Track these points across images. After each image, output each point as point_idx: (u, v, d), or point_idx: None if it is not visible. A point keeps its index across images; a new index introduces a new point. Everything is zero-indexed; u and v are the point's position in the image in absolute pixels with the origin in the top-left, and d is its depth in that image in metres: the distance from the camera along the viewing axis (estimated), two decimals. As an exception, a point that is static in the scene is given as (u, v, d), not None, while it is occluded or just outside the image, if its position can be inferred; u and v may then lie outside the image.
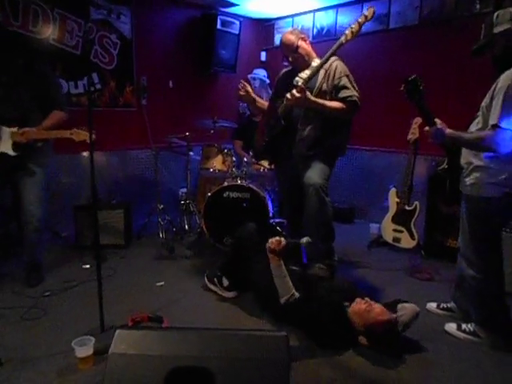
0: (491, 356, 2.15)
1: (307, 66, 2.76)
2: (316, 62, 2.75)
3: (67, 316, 2.49)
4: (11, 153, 2.70)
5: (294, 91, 2.60)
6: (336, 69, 2.74)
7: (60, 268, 3.20)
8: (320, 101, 2.67)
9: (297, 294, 2.33)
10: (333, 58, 2.73)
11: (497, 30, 2.05)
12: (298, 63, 2.83)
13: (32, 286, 2.85)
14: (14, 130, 2.68)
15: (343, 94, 2.71)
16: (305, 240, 2.36)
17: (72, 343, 1.96)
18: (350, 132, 2.96)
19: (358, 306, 2.20)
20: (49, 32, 3.78)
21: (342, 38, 2.54)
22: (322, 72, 2.74)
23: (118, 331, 1.31)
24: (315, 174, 2.80)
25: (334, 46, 2.57)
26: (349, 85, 2.72)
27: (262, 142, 3.08)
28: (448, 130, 2.13)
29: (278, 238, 2.39)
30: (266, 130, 3.04)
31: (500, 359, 2.13)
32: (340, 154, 3.02)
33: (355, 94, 2.71)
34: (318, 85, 2.76)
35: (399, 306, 2.23)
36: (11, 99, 2.71)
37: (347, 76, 2.74)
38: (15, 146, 2.70)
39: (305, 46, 2.84)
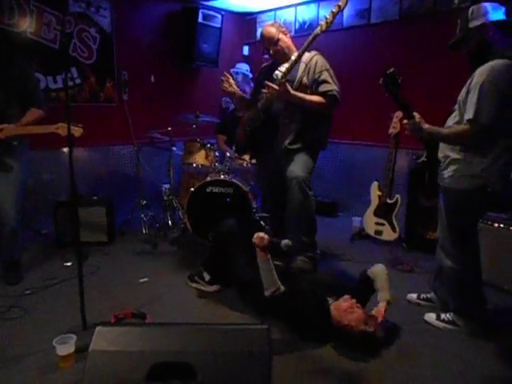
0: (469, 344, 2.21)
1: (287, 59, 2.76)
2: (294, 56, 2.75)
3: (48, 314, 2.46)
4: None
5: (272, 84, 2.63)
6: (316, 63, 2.76)
7: (41, 266, 3.16)
8: (300, 94, 2.69)
9: (282, 288, 2.35)
10: (313, 53, 2.76)
11: (472, 24, 2.08)
12: (278, 56, 2.84)
13: (11, 285, 2.81)
14: None
15: (323, 88, 2.73)
16: (284, 243, 2.42)
17: (53, 341, 1.94)
18: (330, 126, 2.99)
19: (342, 303, 2.19)
20: (25, 25, 3.69)
21: (317, 29, 2.55)
22: (302, 66, 2.76)
23: (97, 328, 1.31)
24: (298, 167, 2.81)
25: (310, 38, 2.58)
26: (329, 79, 2.75)
27: (243, 136, 3.09)
28: (426, 125, 2.16)
29: (261, 234, 2.40)
30: (246, 124, 3.05)
31: (478, 346, 2.18)
32: (321, 148, 3.04)
33: (335, 88, 2.74)
34: (298, 78, 2.77)
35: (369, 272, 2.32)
36: None
37: (327, 70, 2.77)
38: None
39: (285, 40, 2.85)
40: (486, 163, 2.07)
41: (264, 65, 3.11)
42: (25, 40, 3.69)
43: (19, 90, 2.75)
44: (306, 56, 2.77)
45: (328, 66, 2.79)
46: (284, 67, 2.70)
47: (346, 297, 2.22)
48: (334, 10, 2.50)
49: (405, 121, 2.23)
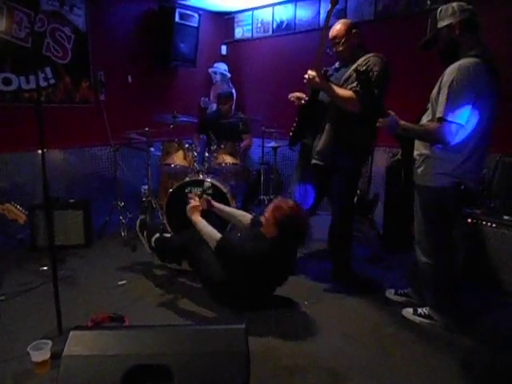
0: (445, 338, 2.26)
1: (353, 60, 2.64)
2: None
3: (23, 320, 2.39)
4: None
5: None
6: (367, 63, 2.53)
7: (16, 271, 3.07)
8: (330, 84, 2.57)
9: (219, 235, 2.51)
10: (369, 55, 2.58)
11: (440, 24, 2.13)
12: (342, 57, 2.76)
13: None
14: None
15: (353, 84, 2.53)
16: (206, 185, 2.94)
17: (28, 348, 1.89)
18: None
19: (265, 215, 2.50)
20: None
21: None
22: (353, 66, 2.58)
23: (71, 332, 1.29)
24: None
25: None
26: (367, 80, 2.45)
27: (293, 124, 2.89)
28: (401, 122, 2.19)
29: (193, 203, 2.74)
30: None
31: (453, 340, 2.24)
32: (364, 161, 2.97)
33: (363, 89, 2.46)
34: (344, 77, 2.63)
35: None
36: None
37: (375, 69, 2.49)
38: None
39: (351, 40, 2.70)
40: (459, 161, 2.11)
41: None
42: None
43: None
44: (362, 58, 2.58)
45: (377, 68, 2.50)
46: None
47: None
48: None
49: (380, 119, 2.25)
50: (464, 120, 2.01)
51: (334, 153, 2.68)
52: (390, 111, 2.25)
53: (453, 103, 1.99)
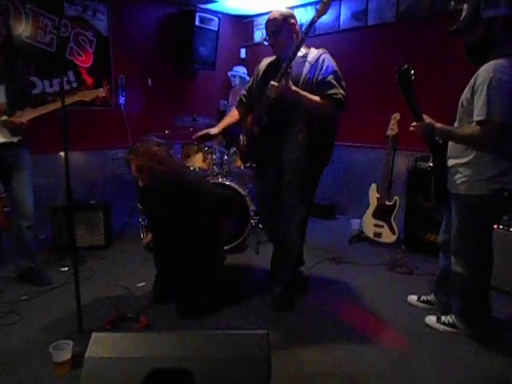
0: (470, 347, 2.19)
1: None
2: (301, 52, 2.44)
3: (45, 320, 2.43)
4: (13, 139, 2.72)
5: (273, 82, 2.31)
6: (323, 62, 2.44)
7: (37, 271, 3.13)
8: (303, 92, 2.35)
9: None
10: (320, 51, 2.50)
11: (485, 14, 1.94)
12: (278, 49, 2.54)
13: (47, 284, 2.89)
14: (3, 118, 2.66)
15: (330, 91, 2.38)
16: None
17: (49, 348, 1.91)
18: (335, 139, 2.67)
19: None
20: (21, 29, 3.68)
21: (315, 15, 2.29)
22: (307, 65, 2.46)
23: (93, 334, 1.28)
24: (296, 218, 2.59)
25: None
26: (334, 82, 2.42)
27: (245, 144, 2.74)
28: (438, 125, 2.08)
29: None
30: (251, 127, 2.66)
31: (478, 350, 2.17)
32: (326, 165, 2.71)
33: (341, 92, 2.41)
34: (302, 77, 2.42)
35: None
36: None
37: (335, 72, 2.45)
38: (12, 132, 2.70)
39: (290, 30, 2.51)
40: (502, 166, 1.98)
41: (268, 61, 2.68)
42: (21, 43, 3.68)
43: (20, 91, 2.79)
44: (313, 54, 2.47)
45: (336, 67, 2.45)
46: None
47: None
48: None
49: (414, 123, 2.13)
50: (507, 120, 1.88)
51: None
52: (424, 115, 2.13)
53: (493, 103, 1.87)
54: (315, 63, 2.44)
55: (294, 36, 2.48)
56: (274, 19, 2.46)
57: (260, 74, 2.68)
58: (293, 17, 2.50)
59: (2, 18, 2.63)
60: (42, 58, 3.83)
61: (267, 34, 2.52)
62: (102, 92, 2.91)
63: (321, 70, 2.42)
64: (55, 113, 2.67)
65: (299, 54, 2.40)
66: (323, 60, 2.44)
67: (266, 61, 2.70)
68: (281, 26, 2.45)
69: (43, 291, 2.79)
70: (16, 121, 2.65)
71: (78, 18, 4.05)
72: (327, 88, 2.39)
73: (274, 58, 2.65)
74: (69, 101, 2.71)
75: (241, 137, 2.81)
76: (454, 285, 2.28)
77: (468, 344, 2.21)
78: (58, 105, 2.59)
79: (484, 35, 1.98)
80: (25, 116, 2.69)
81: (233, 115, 2.88)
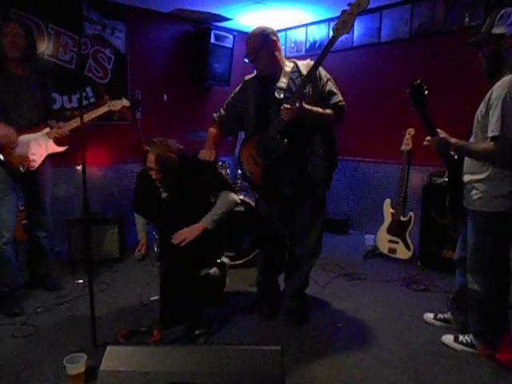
0: (488, 368, 2.13)
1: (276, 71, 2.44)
2: (288, 67, 2.43)
3: (59, 332, 2.45)
4: (61, 149, 2.90)
5: (287, 105, 2.22)
6: (319, 74, 2.40)
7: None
8: (316, 108, 2.31)
9: None
10: (310, 61, 2.42)
11: (494, 30, 1.97)
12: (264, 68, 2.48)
13: (58, 290, 3.02)
14: (46, 130, 2.82)
15: (333, 99, 2.40)
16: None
17: (63, 360, 1.92)
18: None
19: None
20: (43, 47, 3.80)
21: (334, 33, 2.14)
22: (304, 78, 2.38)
23: (108, 348, 1.29)
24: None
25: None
26: (335, 89, 2.44)
27: (259, 172, 2.53)
28: (453, 140, 2.07)
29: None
30: (258, 157, 2.51)
31: (496, 370, 2.11)
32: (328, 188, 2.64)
33: (341, 97, 2.43)
34: (305, 92, 2.36)
35: None
36: (23, 109, 2.77)
37: (330, 80, 2.44)
38: (59, 142, 2.87)
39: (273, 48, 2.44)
40: None
41: (254, 82, 2.57)
42: (43, 61, 3.79)
43: (42, 103, 2.90)
44: (304, 66, 2.42)
45: (329, 76, 2.45)
46: (283, 82, 2.37)
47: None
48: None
49: (428, 138, 2.12)
50: None
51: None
52: (439, 130, 2.12)
53: (508, 119, 1.86)
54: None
55: (277, 53, 2.44)
56: (254, 36, 2.43)
57: (252, 97, 2.54)
58: (274, 34, 2.44)
59: (28, 37, 2.72)
60: (62, 75, 3.94)
61: (247, 52, 2.46)
62: (127, 102, 3.14)
63: (319, 79, 2.40)
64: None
65: (287, 69, 2.42)
66: (319, 71, 2.40)
67: (251, 82, 2.59)
68: (262, 43, 2.39)
69: (58, 303, 2.82)
70: (63, 132, 2.83)
71: (97, 36, 4.17)
72: (330, 97, 2.41)
73: (254, 75, 2.59)
74: (99, 111, 2.96)
75: (244, 167, 2.68)
76: (471, 303, 2.23)
77: (486, 365, 2.15)
78: (90, 116, 2.85)
79: (494, 51, 1.99)
80: (66, 127, 2.85)
81: (215, 135, 2.88)
